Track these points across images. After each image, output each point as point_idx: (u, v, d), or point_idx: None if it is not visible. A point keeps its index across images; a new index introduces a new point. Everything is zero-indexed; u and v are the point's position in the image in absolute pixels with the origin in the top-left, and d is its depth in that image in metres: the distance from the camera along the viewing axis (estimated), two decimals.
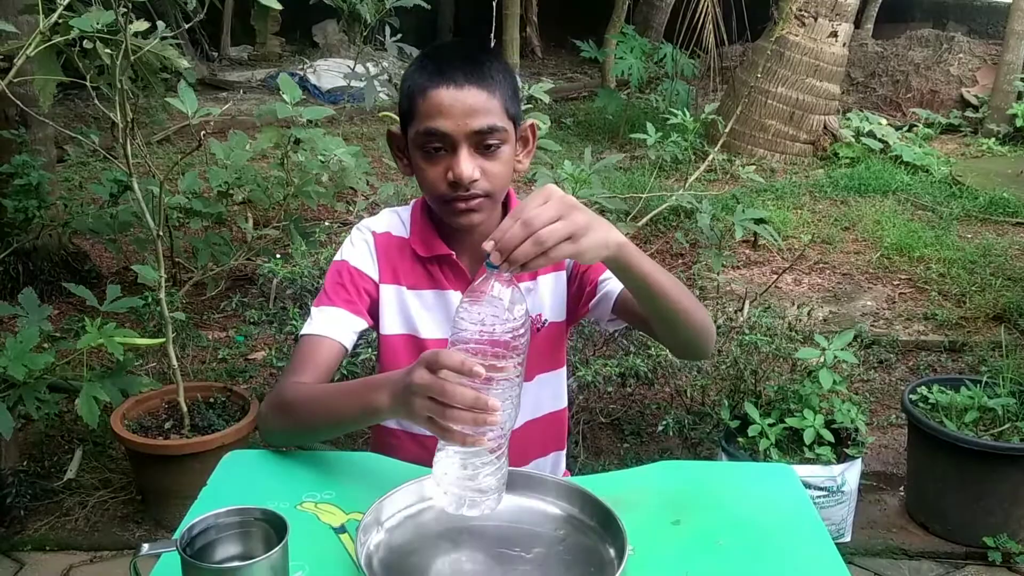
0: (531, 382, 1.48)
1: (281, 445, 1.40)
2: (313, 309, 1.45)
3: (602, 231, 1.11)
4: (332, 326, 1.42)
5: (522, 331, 1.04)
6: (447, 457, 1.09)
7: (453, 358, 1.01)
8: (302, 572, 1.11)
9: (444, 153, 1.32)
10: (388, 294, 1.48)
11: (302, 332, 1.44)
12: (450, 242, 1.45)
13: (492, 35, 4.98)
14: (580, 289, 1.49)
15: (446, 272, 1.46)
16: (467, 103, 1.30)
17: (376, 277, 1.48)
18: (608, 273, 1.41)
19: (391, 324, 1.48)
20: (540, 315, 1.49)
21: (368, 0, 3.82)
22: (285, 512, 1.06)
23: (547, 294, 1.50)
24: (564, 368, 1.59)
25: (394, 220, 1.51)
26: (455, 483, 1.09)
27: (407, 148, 1.40)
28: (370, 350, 2.62)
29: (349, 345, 1.43)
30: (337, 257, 1.50)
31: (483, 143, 1.32)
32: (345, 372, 2.61)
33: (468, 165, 1.31)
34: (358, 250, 1.49)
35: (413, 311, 1.47)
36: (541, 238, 1.05)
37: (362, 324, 1.45)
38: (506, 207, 1.47)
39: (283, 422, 1.36)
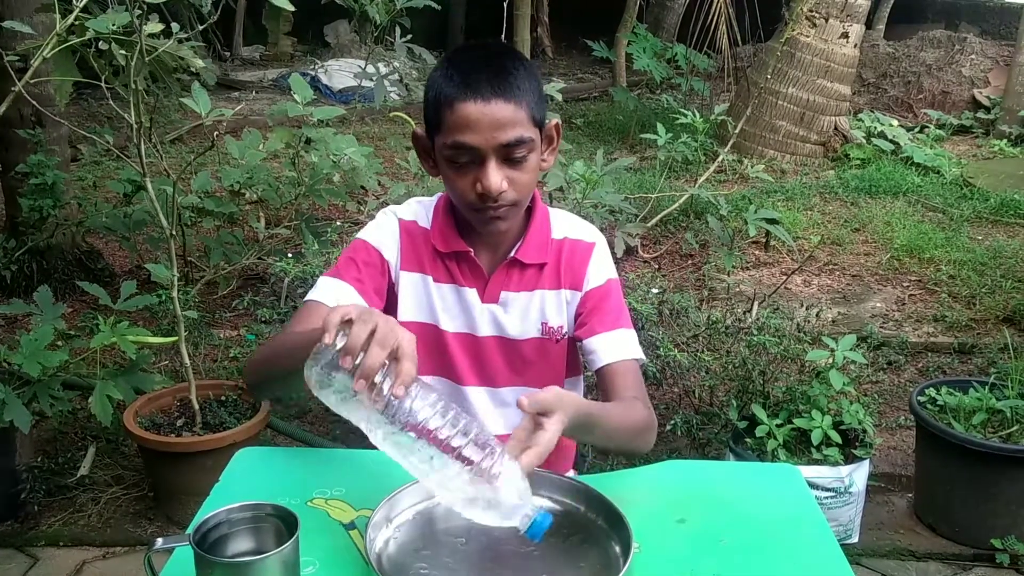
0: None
1: (261, 387, 1.47)
2: (321, 278, 1.46)
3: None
4: (335, 295, 1.41)
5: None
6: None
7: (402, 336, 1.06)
8: (313, 567, 1.13)
9: (472, 165, 1.33)
10: (410, 281, 1.49)
11: (307, 298, 1.44)
12: (469, 239, 1.47)
13: (503, 36, 4.99)
14: (578, 326, 1.51)
15: (463, 268, 1.48)
16: (494, 117, 1.29)
17: (395, 262, 1.48)
18: (599, 342, 1.47)
19: (409, 310, 1.49)
20: (561, 327, 1.51)
21: (379, 1, 3.84)
22: (296, 508, 1.08)
23: (565, 309, 1.51)
24: (580, 376, 1.62)
25: (420, 211, 1.52)
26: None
27: (433, 151, 1.40)
28: None
29: None
30: (360, 235, 1.50)
31: (510, 155, 1.32)
32: None
33: (496, 177, 1.32)
34: (381, 232, 1.50)
35: (436, 301, 1.48)
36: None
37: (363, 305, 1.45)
38: (530, 209, 1.48)
39: (261, 354, 1.44)
